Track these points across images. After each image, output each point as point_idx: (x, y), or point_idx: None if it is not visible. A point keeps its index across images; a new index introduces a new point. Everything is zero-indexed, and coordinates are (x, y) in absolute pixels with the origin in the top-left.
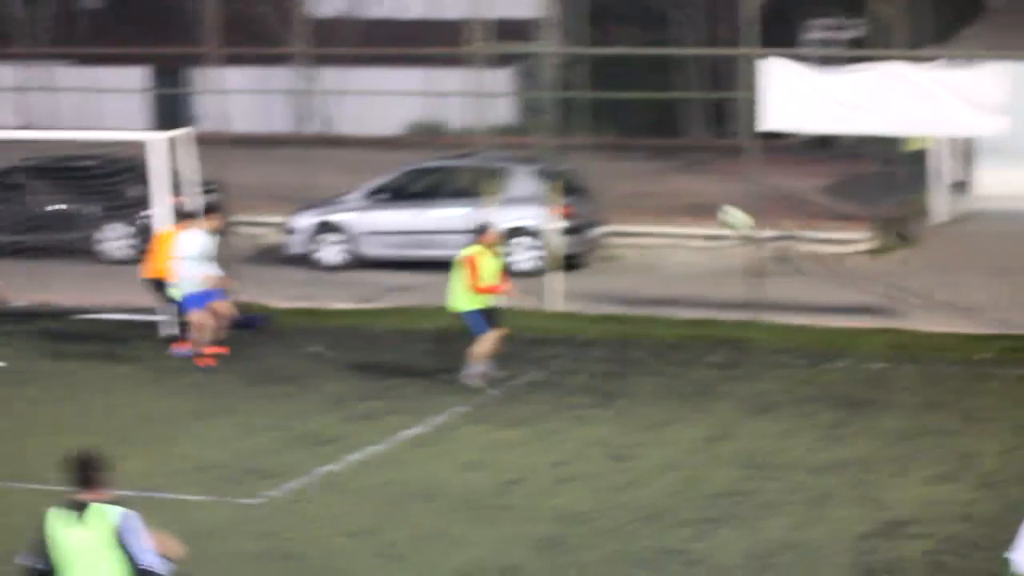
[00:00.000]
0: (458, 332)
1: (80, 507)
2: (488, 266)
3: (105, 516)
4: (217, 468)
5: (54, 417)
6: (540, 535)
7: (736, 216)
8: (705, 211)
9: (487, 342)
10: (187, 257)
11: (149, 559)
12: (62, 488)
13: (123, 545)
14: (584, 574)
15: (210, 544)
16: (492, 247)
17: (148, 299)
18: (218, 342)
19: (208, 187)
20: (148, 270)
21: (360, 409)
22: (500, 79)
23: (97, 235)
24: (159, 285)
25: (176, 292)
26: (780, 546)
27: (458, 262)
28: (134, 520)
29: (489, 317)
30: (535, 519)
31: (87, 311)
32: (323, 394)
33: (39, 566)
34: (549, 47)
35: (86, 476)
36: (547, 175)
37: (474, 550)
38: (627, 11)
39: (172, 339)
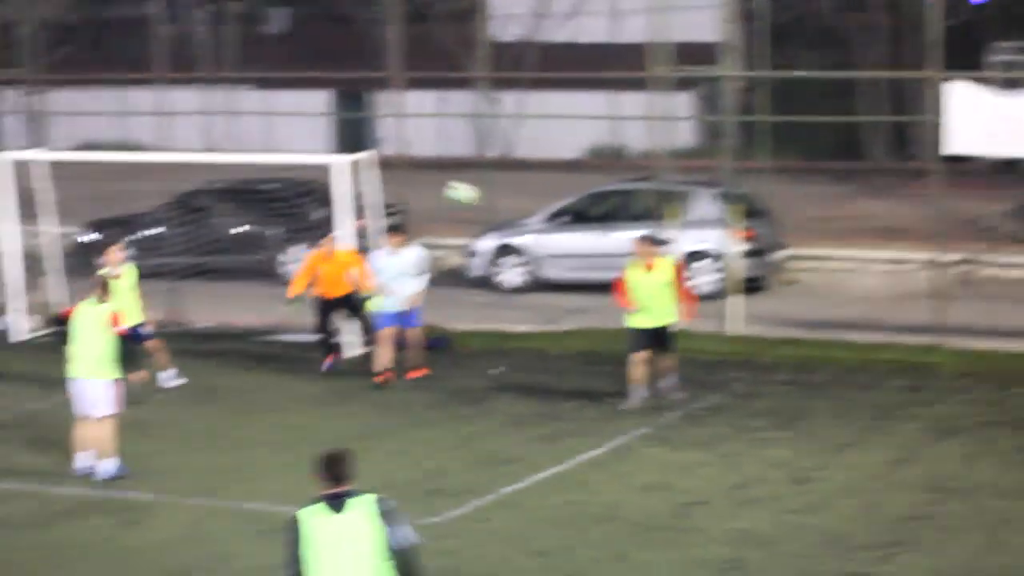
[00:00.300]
0: None
1: (336, 500)
2: (644, 283)
3: (364, 504)
4: (400, 487)
5: (236, 435)
6: (720, 558)
7: (459, 190)
8: (888, 235)
9: (634, 364)
10: (384, 275)
11: (408, 536)
12: (252, 505)
13: (384, 527)
14: None
15: None
16: (645, 261)
17: (332, 320)
18: (417, 365)
19: (390, 210)
20: (298, 288)
21: (541, 430)
22: (681, 103)
23: (280, 257)
24: (327, 304)
25: (373, 306)
26: (964, 571)
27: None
28: (390, 503)
29: (652, 337)
30: (715, 542)
31: (269, 332)
32: (504, 415)
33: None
34: (730, 71)
35: (339, 471)
36: (728, 198)
37: (653, 573)
38: (809, 34)
39: (360, 358)
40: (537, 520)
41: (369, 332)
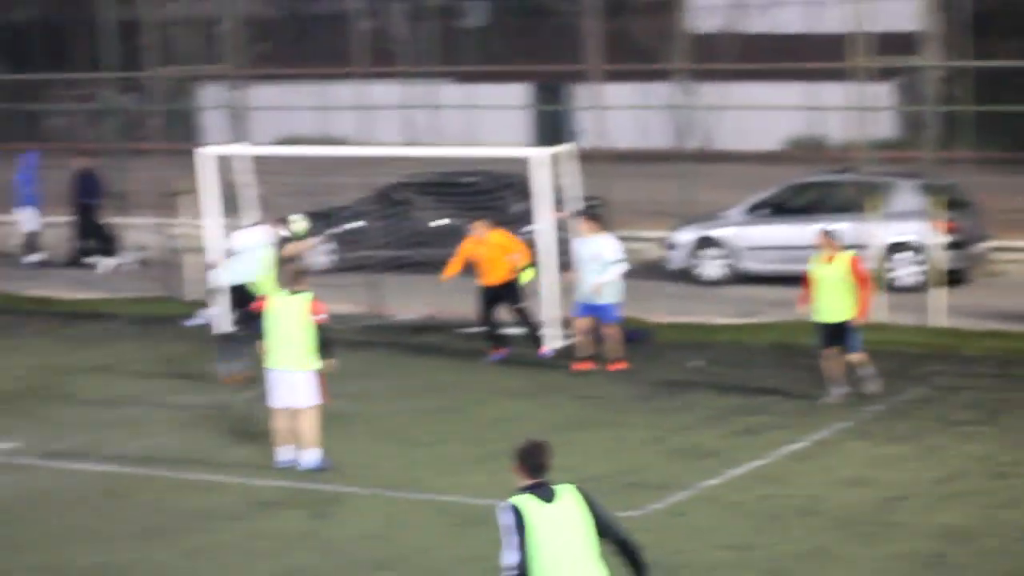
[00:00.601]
0: None
1: (543, 489)
2: (824, 277)
3: (571, 492)
4: (598, 480)
5: (435, 427)
6: (922, 553)
7: (299, 223)
8: None
9: (825, 360)
10: (575, 263)
11: (615, 520)
12: (452, 498)
13: (595, 512)
14: None
15: None
16: (825, 255)
17: (534, 312)
18: (615, 359)
19: (589, 202)
20: (450, 272)
21: (741, 424)
22: (882, 93)
23: None
24: (489, 293)
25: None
26: None
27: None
28: (592, 492)
29: (834, 333)
30: (917, 536)
31: (470, 324)
32: (704, 408)
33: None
34: (931, 60)
35: (539, 462)
36: (930, 190)
37: (855, 568)
38: (1012, 22)
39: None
40: (736, 514)
41: (530, 322)
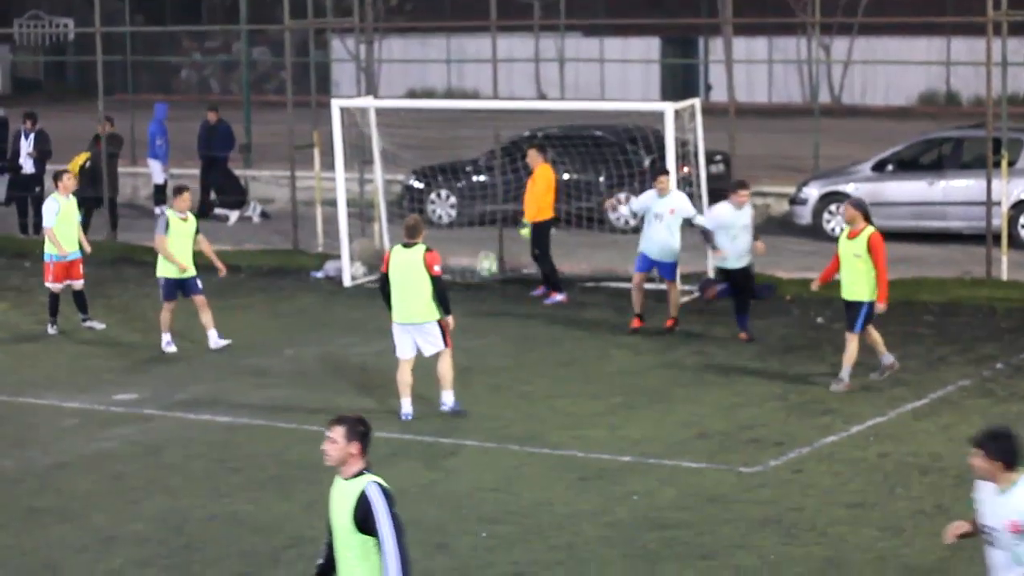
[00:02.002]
0: (963, 306)
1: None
2: (843, 251)
3: None
4: (719, 436)
5: (555, 382)
6: None
7: (488, 262)
8: None
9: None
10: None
11: None
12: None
13: None
14: None
15: (714, 510)
16: (850, 227)
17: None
18: (668, 317)
19: (716, 157)
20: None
21: (862, 380)
22: (1016, 47)
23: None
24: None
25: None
26: None
27: None
28: None
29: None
30: None
31: (595, 279)
32: (827, 365)
33: None
34: None
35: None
36: None
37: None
38: None
39: None
40: (855, 471)
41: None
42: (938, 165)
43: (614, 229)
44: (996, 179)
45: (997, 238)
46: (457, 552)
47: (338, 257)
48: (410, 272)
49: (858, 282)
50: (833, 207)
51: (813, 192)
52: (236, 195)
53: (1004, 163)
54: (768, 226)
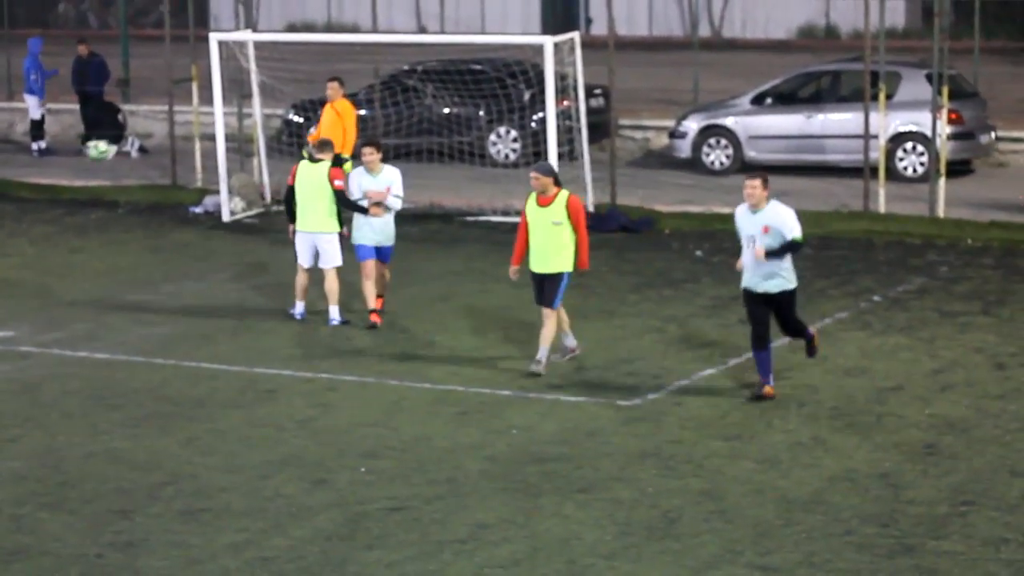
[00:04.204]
0: (840, 239)
1: None
2: (536, 221)
3: None
4: (597, 370)
5: (435, 317)
6: (916, 443)
7: (98, 148)
8: None
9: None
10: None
11: None
12: (450, 387)
13: None
14: (960, 483)
15: (593, 443)
16: (538, 195)
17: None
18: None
19: (596, 91)
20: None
21: (740, 313)
22: None
23: (490, 138)
24: None
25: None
26: None
27: None
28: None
29: (539, 286)
30: (913, 427)
31: (475, 213)
32: (704, 298)
33: None
34: None
35: None
36: (936, 79)
37: (849, 457)
38: None
39: None
40: (732, 404)
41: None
42: (817, 98)
43: (495, 163)
44: (874, 112)
45: (875, 171)
46: (337, 487)
47: (217, 192)
48: (314, 185)
49: (560, 252)
50: (712, 140)
51: (693, 125)
52: (113, 130)
53: (882, 96)
54: (648, 160)
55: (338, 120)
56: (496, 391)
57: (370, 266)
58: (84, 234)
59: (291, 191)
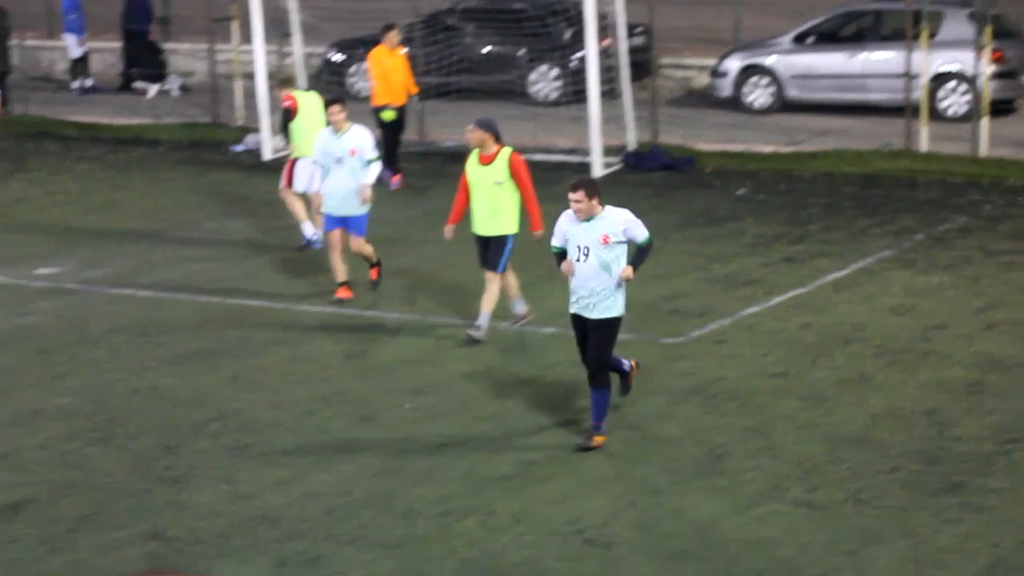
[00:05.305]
0: (882, 178)
1: None
2: (477, 180)
3: None
4: (641, 308)
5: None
6: (961, 380)
7: None
8: None
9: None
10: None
11: None
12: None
13: None
14: (1006, 421)
15: (638, 381)
16: (479, 152)
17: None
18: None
19: (637, 29)
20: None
21: (784, 252)
22: None
23: (530, 77)
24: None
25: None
26: None
27: None
28: None
29: (483, 250)
30: (957, 365)
31: (518, 152)
32: (747, 237)
33: None
34: None
35: None
36: (979, 18)
37: (894, 395)
38: None
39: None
40: (778, 342)
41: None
42: (859, 37)
43: (536, 102)
44: (916, 51)
45: (917, 110)
46: (383, 423)
47: (258, 130)
48: (316, 115)
49: (503, 213)
50: (754, 79)
51: (734, 65)
52: (153, 69)
53: (924, 35)
54: (688, 99)
55: (402, 65)
56: (540, 328)
57: (334, 237)
58: (127, 172)
59: (288, 112)
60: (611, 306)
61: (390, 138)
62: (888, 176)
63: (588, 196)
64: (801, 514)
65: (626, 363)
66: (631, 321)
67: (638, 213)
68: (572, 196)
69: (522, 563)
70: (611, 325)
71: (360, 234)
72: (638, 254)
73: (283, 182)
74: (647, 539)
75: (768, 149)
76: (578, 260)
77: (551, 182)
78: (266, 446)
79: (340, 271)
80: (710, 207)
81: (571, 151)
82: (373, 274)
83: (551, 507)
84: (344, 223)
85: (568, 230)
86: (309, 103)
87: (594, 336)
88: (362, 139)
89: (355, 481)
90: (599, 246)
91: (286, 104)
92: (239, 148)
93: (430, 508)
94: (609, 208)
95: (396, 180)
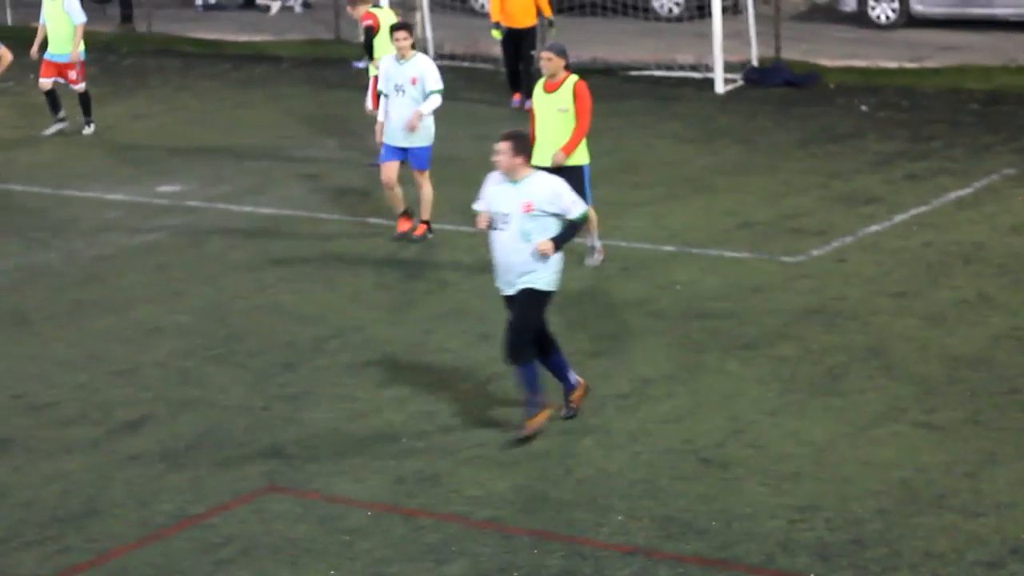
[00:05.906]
0: (1008, 94)
1: None
2: (543, 106)
3: None
4: (761, 226)
5: (600, 172)
6: None
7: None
8: None
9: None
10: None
11: None
12: (615, 243)
13: None
14: None
15: (757, 300)
16: (547, 78)
17: (695, 56)
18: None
19: None
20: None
21: (906, 169)
22: None
23: None
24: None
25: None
26: None
27: None
28: None
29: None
30: None
31: (638, 68)
32: (869, 154)
33: None
34: None
35: None
36: None
37: (1016, 314)
38: None
39: None
40: (898, 261)
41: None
42: None
43: (658, 18)
44: None
45: None
46: (501, 341)
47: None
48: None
49: (561, 138)
50: None
51: None
52: None
53: None
54: (813, 14)
55: None
56: (659, 247)
57: (390, 169)
58: (248, 89)
59: (372, 31)
60: (536, 279)
61: (505, 56)
62: (1013, 92)
63: (513, 151)
64: (919, 435)
65: (573, 377)
66: (751, 238)
67: (760, 131)
68: (496, 146)
69: (638, 482)
70: (534, 297)
71: (423, 167)
72: (565, 229)
73: (370, 102)
74: (762, 459)
75: (892, 64)
76: (498, 229)
77: (671, 99)
78: (385, 363)
79: (398, 200)
80: (832, 124)
81: (693, 67)
82: (402, 224)
83: (667, 426)
84: (404, 155)
85: (491, 192)
86: (391, 19)
87: (515, 310)
88: (425, 68)
89: (472, 400)
90: (521, 214)
91: (367, 23)
92: (361, 65)
93: (547, 427)
94: (539, 173)
95: (516, 99)
